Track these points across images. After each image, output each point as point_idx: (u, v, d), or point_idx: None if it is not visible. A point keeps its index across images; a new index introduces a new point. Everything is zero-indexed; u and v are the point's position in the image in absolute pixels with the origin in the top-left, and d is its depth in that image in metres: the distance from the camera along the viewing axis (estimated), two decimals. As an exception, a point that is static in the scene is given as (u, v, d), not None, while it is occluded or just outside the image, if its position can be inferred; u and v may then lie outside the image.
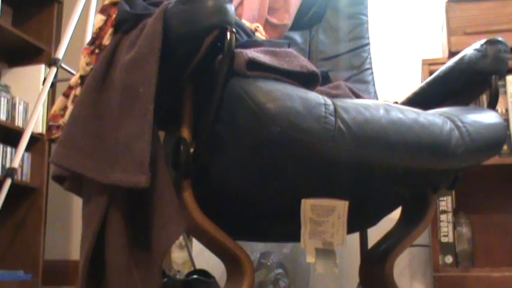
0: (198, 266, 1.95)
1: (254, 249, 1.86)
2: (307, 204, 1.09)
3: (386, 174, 1.10)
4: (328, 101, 0.97)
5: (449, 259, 1.82)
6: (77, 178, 1.07)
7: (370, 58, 1.79)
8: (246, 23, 1.44)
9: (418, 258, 2.05)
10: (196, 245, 2.08)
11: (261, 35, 1.51)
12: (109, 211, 0.99)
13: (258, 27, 1.53)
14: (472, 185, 1.96)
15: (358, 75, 1.74)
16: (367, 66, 1.77)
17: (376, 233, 1.44)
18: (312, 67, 1.05)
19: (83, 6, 2.10)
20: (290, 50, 1.10)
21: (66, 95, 1.17)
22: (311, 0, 1.84)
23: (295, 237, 1.12)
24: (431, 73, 1.51)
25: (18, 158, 2.11)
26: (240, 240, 1.19)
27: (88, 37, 2.04)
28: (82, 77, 1.12)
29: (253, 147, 1.01)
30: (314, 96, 0.97)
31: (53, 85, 2.29)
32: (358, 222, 1.33)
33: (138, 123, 0.96)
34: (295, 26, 1.80)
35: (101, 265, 0.99)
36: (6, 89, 2.64)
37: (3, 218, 2.55)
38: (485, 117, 1.15)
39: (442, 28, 2.13)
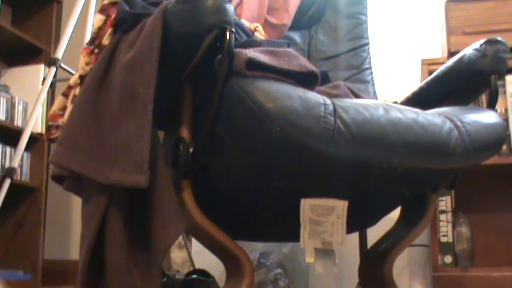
0: (198, 265, 1.95)
1: (254, 249, 1.86)
2: (306, 204, 1.09)
3: (385, 174, 1.10)
4: (328, 101, 0.97)
5: (448, 259, 1.82)
6: (76, 178, 1.07)
7: (370, 58, 1.79)
8: (245, 22, 1.44)
9: (417, 258, 2.05)
10: (196, 245, 2.07)
11: (260, 34, 1.51)
12: (108, 211, 0.99)
13: (257, 27, 1.53)
14: (471, 185, 1.96)
15: (358, 75, 1.74)
16: (367, 66, 1.77)
17: (375, 233, 1.44)
18: (311, 67, 1.06)
19: (82, 6, 2.10)
20: (289, 49, 1.10)
21: (65, 95, 1.17)
22: None
23: (294, 237, 1.12)
24: (430, 73, 1.51)
25: (17, 157, 2.10)
26: (240, 240, 1.19)
27: (87, 37, 2.03)
28: (81, 77, 1.12)
29: (253, 147, 1.01)
30: (313, 96, 0.97)
31: (52, 85, 2.29)
32: (357, 222, 1.33)
33: (137, 123, 0.96)
34: (295, 25, 1.80)
35: (101, 265, 0.99)
36: (5, 88, 2.64)
37: (2, 218, 2.55)
38: (484, 117, 1.15)
39: (441, 28, 2.13)
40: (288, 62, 1.03)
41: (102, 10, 1.13)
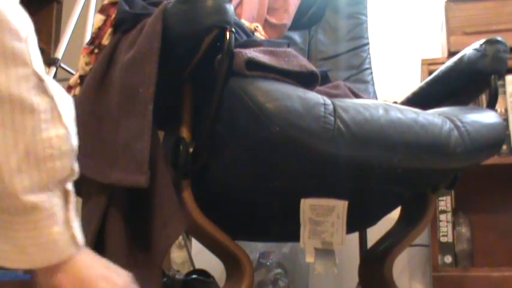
0: (198, 265, 1.95)
1: (254, 249, 1.86)
2: (306, 204, 1.09)
3: (385, 174, 1.10)
4: (328, 101, 0.97)
5: (448, 259, 1.81)
6: (76, 178, 1.07)
7: (370, 58, 1.79)
8: (245, 22, 1.44)
9: (417, 258, 2.05)
10: (196, 245, 2.07)
11: (260, 34, 1.51)
12: (108, 211, 0.99)
13: (257, 27, 1.53)
14: (471, 185, 1.95)
15: (358, 75, 1.74)
16: (367, 66, 1.77)
17: (375, 233, 1.44)
18: (311, 67, 1.06)
19: (82, 6, 2.09)
20: (289, 49, 1.10)
21: (65, 95, 1.17)
22: (310, 0, 1.85)
23: (294, 237, 1.12)
24: (430, 73, 1.51)
25: (17, 157, 2.10)
26: (240, 240, 1.19)
27: (87, 37, 2.03)
28: (81, 77, 1.12)
29: (253, 147, 1.02)
30: (313, 96, 0.97)
31: (52, 85, 2.29)
32: (357, 222, 1.33)
33: (137, 123, 0.96)
34: (295, 25, 1.80)
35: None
36: (5, 88, 2.63)
37: (2, 218, 2.54)
38: (484, 117, 1.15)
39: (441, 28, 2.13)
40: (288, 62, 1.03)
41: (102, 10, 1.13)
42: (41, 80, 0.55)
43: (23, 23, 0.54)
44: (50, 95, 0.56)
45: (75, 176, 0.60)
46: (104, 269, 0.64)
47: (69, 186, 0.60)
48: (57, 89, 0.58)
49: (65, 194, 0.60)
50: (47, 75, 0.57)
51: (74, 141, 0.58)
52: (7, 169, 0.51)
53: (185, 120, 1.07)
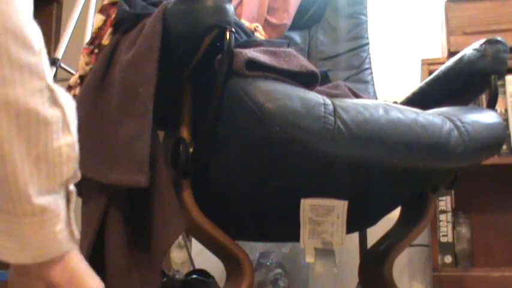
0: (198, 265, 1.95)
1: (254, 249, 1.86)
2: (306, 204, 1.09)
3: (385, 174, 1.10)
4: (328, 101, 0.97)
5: (448, 259, 1.81)
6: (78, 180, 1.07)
7: (370, 58, 1.79)
8: (245, 22, 1.44)
9: (417, 258, 2.05)
10: (196, 245, 2.07)
11: (260, 34, 1.51)
12: (108, 211, 0.99)
13: (257, 27, 1.53)
14: (471, 185, 1.95)
15: (358, 75, 1.74)
16: (367, 66, 1.77)
17: (375, 233, 1.44)
18: (311, 67, 1.06)
19: (82, 6, 2.09)
20: (289, 49, 1.10)
21: (65, 95, 1.17)
22: (310, 0, 1.85)
23: (294, 237, 1.12)
24: (430, 73, 1.51)
25: (17, 157, 2.09)
26: (240, 240, 1.19)
27: (87, 37, 2.03)
28: (81, 77, 1.12)
29: (253, 147, 1.02)
30: (313, 96, 0.97)
31: (52, 85, 2.28)
32: (357, 222, 1.33)
33: (137, 123, 0.96)
34: (295, 25, 1.80)
35: (101, 265, 0.99)
36: (5, 88, 2.63)
37: (2, 218, 2.54)
38: (484, 117, 1.15)
39: (441, 28, 2.13)
40: (288, 62, 1.03)
41: (102, 10, 1.13)
42: (52, 92, 0.58)
43: (37, 36, 0.57)
44: (61, 105, 0.59)
45: (78, 179, 0.64)
46: (88, 267, 0.67)
47: (71, 187, 0.64)
48: (65, 97, 0.61)
49: (68, 194, 0.63)
50: (56, 85, 0.59)
51: (77, 146, 0.61)
52: (22, 177, 0.55)
53: (185, 120, 1.07)
